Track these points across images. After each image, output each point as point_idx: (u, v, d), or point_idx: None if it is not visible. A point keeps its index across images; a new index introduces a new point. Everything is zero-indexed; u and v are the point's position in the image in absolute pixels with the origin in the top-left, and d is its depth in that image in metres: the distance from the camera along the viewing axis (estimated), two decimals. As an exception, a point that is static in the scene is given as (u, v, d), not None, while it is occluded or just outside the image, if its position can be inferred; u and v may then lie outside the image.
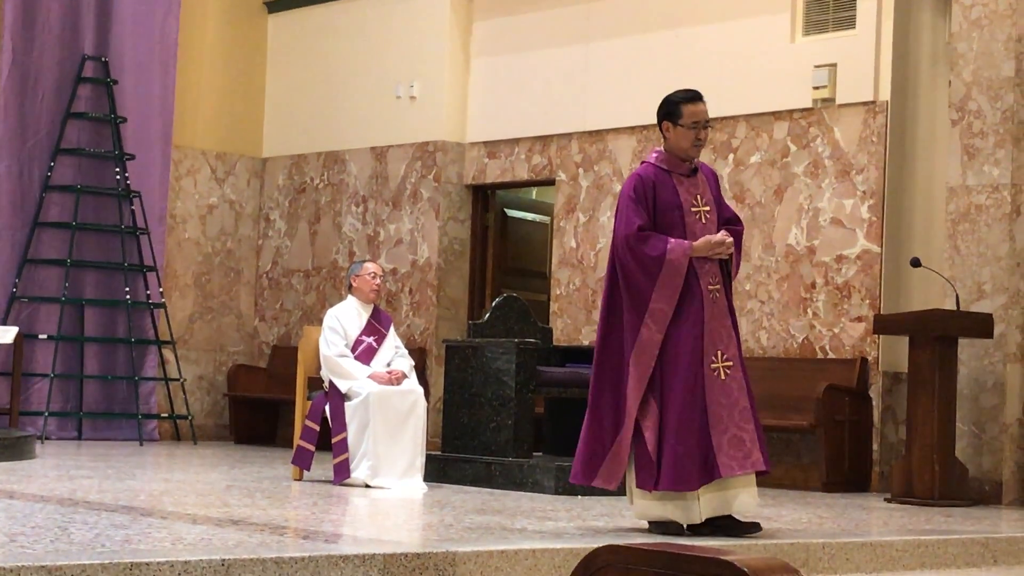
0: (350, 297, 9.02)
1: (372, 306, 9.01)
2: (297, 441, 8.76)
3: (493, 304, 9.71)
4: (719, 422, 6.32)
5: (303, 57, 13.53)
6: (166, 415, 12.67)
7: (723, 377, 6.37)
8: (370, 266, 9.06)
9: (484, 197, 12.55)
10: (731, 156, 10.69)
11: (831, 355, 10.06)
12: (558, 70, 11.79)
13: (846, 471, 9.72)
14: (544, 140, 11.89)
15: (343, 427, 8.54)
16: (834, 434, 9.65)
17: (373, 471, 8.43)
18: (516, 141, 12.09)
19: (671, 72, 10.62)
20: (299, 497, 7.66)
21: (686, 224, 6.48)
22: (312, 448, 8.70)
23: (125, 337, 12.47)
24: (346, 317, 8.88)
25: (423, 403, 8.68)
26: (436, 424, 10.97)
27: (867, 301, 9.92)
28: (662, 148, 6.63)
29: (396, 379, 8.69)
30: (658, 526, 6.44)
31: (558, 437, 9.53)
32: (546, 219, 12.73)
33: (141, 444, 12.00)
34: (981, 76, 9.33)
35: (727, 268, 6.58)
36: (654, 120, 6.73)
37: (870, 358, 9.88)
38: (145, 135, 12.80)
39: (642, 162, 6.69)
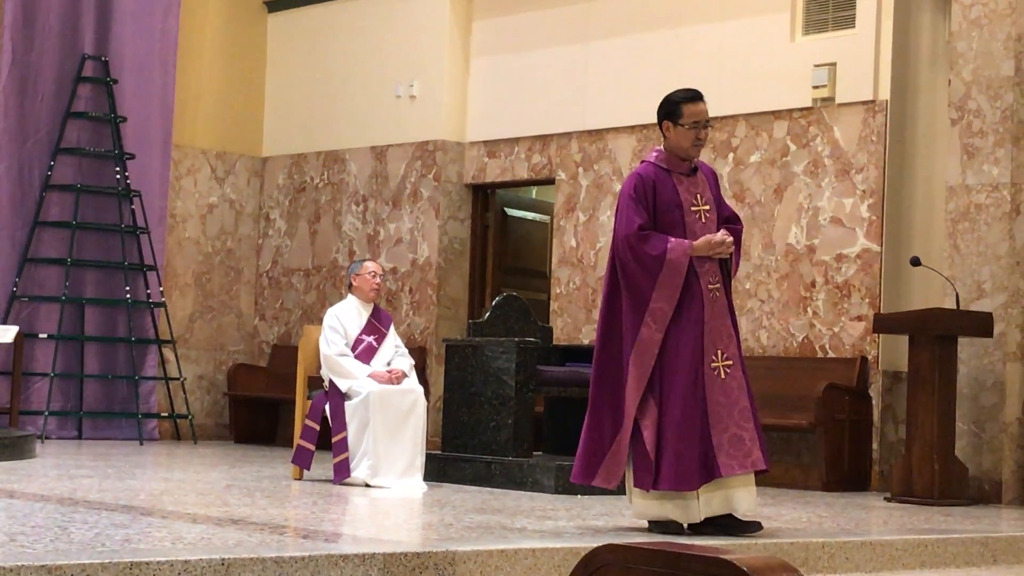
0: (350, 296, 9.03)
1: (372, 305, 9.01)
2: (297, 440, 8.76)
3: (493, 303, 9.71)
4: (719, 421, 6.33)
5: (303, 56, 13.53)
6: (166, 414, 12.68)
7: (723, 376, 6.37)
8: (370, 265, 9.06)
9: (484, 196, 12.55)
10: (731, 155, 10.69)
11: (831, 354, 10.06)
12: (558, 69, 11.79)
13: (846, 470, 9.72)
14: (544, 139, 11.89)
15: (343, 426, 8.54)
16: (834, 433, 9.65)
17: (373, 470, 8.43)
18: (516, 140, 12.09)
19: (671, 71, 10.62)
20: (299, 496, 7.67)
21: (686, 223, 6.48)
22: (312, 447, 8.70)
23: (125, 336, 12.48)
24: (346, 316, 8.88)
25: (423, 402, 8.68)
26: (436, 423, 10.97)
27: (867, 300, 9.92)
28: (662, 147, 6.63)
29: (396, 378, 8.69)
30: (658, 525, 6.44)
31: (558, 436, 9.54)
32: (546, 218, 12.74)
33: (141, 443, 12.00)
34: (981, 75, 9.33)
35: (727, 267, 6.58)
36: (654, 119, 6.73)
37: (870, 357, 9.88)
38: (145, 134, 12.80)
39: (642, 161, 6.69)
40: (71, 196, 12.38)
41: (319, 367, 8.82)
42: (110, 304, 12.51)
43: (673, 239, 6.41)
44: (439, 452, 9.32)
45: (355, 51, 13.10)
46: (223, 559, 4.61)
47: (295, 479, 8.72)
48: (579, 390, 8.49)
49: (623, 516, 7.07)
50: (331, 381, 8.68)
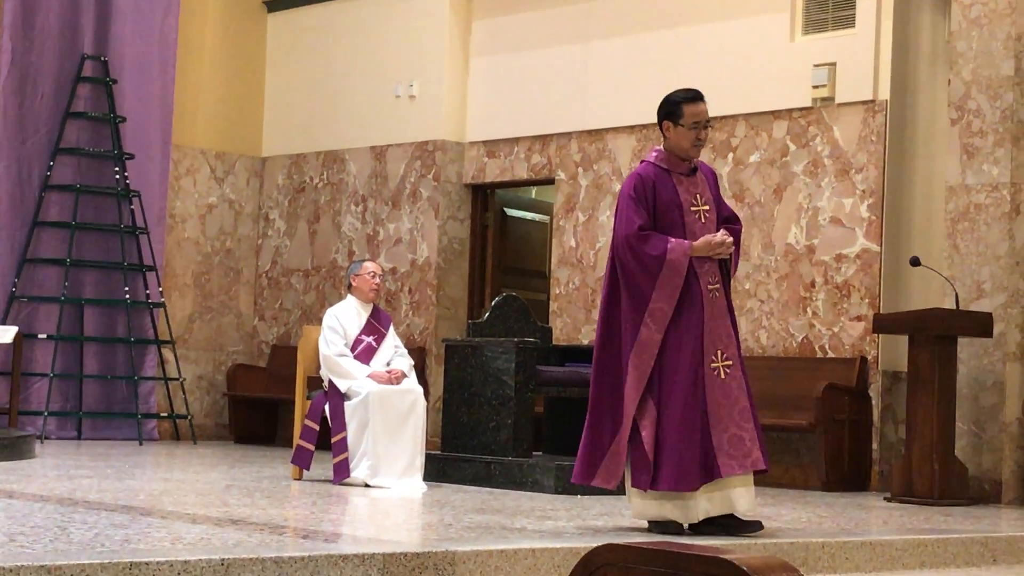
0: (349, 296, 9.02)
1: (372, 305, 9.01)
2: (297, 440, 8.76)
3: (492, 303, 9.71)
4: (719, 422, 6.32)
5: (302, 56, 13.52)
6: (166, 415, 12.67)
7: (723, 376, 6.37)
8: (369, 265, 9.05)
9: (483, 196, 12.55)
10: (730, 155, 10.69)
11: (831, 354, 10.06)
12: (557, 69, 11.79)
13: (846, 470, 9.71)
14: (543, 139, 11.88)
15: (343, 426, 8.54)
16: (834, 433, 9.65)
17: (373, 470, 8.42)
18: (515, 140, 12.09)
19: (671, 71, 10.62)
20: (299, 497, 7.66)
21: (686, 223, 6.48)
22: (312, 447, 8.70)
23: (124, 337, 12.47)
24: (345, 316, 8.88)
25: (423, 402, 8.68)
26: (436, 423, 10.97)
27: (867, 300, 9.92)
28: (662, 147, 6.63)
29: (396, 378, 8.69)
30: (658, 525, 6.44)
31: (558, 436, 9.53)
32: (545, 218, 12.74)
33: (141, 444, 12.00)
34: (980, 75, 9.33)
35: (726, 267, 6.58)
36: (654, 119, 6.72)
37: (870, 357, 9.88)
38: (144, 134, 12.80)
39: (642, 161, 6.69)
40: (70, 196, 12.37)
41: (318, 367, 8.81)
42: (109, 304, 12.50)
43: (673, 239, 6.41)
44: (439, 452, 9.32)
45: (355, 51, 13.10)
46: (223, 559, 4.61)
47: (295, 479, 8.71)
48: (579, 390, 8.49)
49: (623, 516, 7.07)
50: (330, 381, 8.68)
